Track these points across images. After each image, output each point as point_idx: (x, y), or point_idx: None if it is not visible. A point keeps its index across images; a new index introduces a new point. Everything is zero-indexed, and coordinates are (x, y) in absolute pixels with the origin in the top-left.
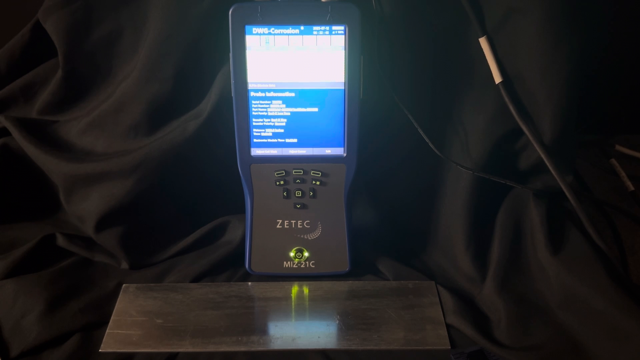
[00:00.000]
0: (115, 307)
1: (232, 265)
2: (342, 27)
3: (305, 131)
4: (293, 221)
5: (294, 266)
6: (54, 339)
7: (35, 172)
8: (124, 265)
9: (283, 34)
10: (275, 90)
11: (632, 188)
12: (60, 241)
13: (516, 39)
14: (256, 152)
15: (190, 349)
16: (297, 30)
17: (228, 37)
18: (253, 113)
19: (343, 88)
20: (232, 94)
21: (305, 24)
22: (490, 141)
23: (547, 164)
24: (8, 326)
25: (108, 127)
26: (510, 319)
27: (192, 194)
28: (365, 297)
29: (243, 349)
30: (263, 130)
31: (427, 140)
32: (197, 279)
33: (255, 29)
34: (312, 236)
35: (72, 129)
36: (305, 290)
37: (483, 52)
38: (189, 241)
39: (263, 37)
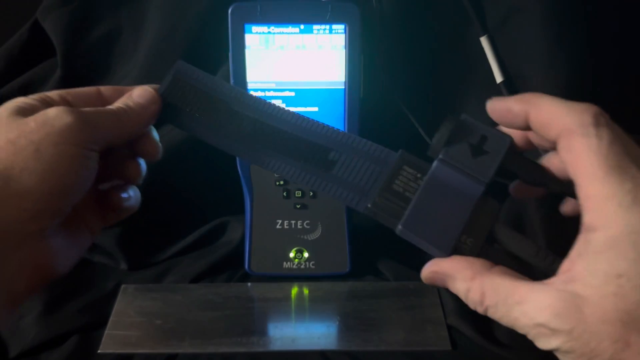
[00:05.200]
0: (114, 307)
1: (231, 266)
2: (342, 26)
3: None
4: (293, 221)
5: (294, 267)
6: (53, 340)
7: None
8: (123, 265)
9: (283, 32)
10: (274, 90)
11: None
12: None
13: (517, 38)
14: None
15: (189, 350)
16: (297, 29)
17: (227, 36)
18: None
19: (343, 87)
20: None
21: (305, 22)
22: None
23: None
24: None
25: None
26: None
27: (191, 194)
28: (366, 298)
29: (242, 350)
30: None
31: (427, 140)
32: (196, 280)
33: (255, 28)
34: (312, 236)
35: None
36: (305, 291)
37: (484, 51)
38: (188, 241)
39: (262, 36)
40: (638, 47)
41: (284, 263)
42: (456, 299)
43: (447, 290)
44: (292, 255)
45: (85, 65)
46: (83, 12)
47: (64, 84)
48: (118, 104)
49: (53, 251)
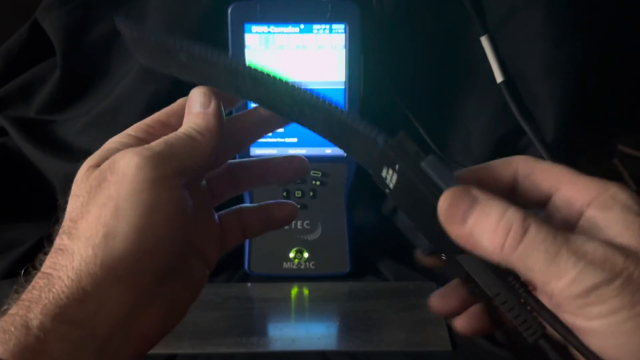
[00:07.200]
0: None
1: (231, 266)
2: (342, 26)
3: (305, 131)
4: (293, 221)
5: (294, 267)
6: None
7: (33, 172)
8: None
9: (283, 32)
10: None
11: (634, 188)
12: None
13: (518, 37)
14: (256, 152)
15: (189, 350)
16: (297, 29)
17: (227, 35)
18: None
19: (343, 87)
20: None
21: (305, 22)
22: (491, 141)
23: None
24: None
25: (106, 126)
26: None
27: None
28: (366, 299)
29: (242, 350)
30: None
31: (427, 139)
32: None
33: (255, 28)
34: (312, 237)
35: (70, 129)
36: (305, 292)
37: (484, 51)
38: None
39: (262, 35)
40: (638, 47)
41: (284, 263)
42: None
43: None
44: (292, 255)
45: (85, 65)
46: (82, 12)
47: (63, 83)
48: (183, 127)
49: (162, 311)
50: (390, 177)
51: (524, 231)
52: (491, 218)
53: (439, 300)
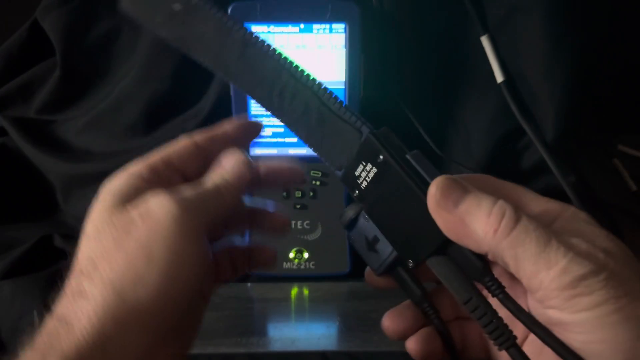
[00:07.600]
0: None
1: None
2: (342, 25)
3: None
4: (293, 221)
5: (294, 267)
6: None
7: (33, 172)
8: None
9: (282, 32)
10: None
11: (634, 188)
12: (58, 242)
13: (518, 37)
14: (256, 152)
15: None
16: (296, 29)
17: None
18: (252, 112)
19: (344, 87)
20: (231, 93)
21: (305, 22)
22: (491, 141)
23: (549, 164)
24: (6, 327)
25: (106, 126)
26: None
27: None
28: (366, 299)
29: (242, 350)
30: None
31: (427, 139)
32: None
33: (255, 27)
34: (312, 237)
35: (70, 129)
36: (305, 292)
37: (484, 51)
38: None
39: (262, 35)
40: (638, 46)
41: (284, 263)
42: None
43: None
44: (292, 255)
45: (85, 64)
46: (82, 12)
47: (63, 83)
48: (215, 179)
49: (171, 348)
50: (366, 173)
51: (518, 218)
52: (484, 205)
53: (390, 320)
